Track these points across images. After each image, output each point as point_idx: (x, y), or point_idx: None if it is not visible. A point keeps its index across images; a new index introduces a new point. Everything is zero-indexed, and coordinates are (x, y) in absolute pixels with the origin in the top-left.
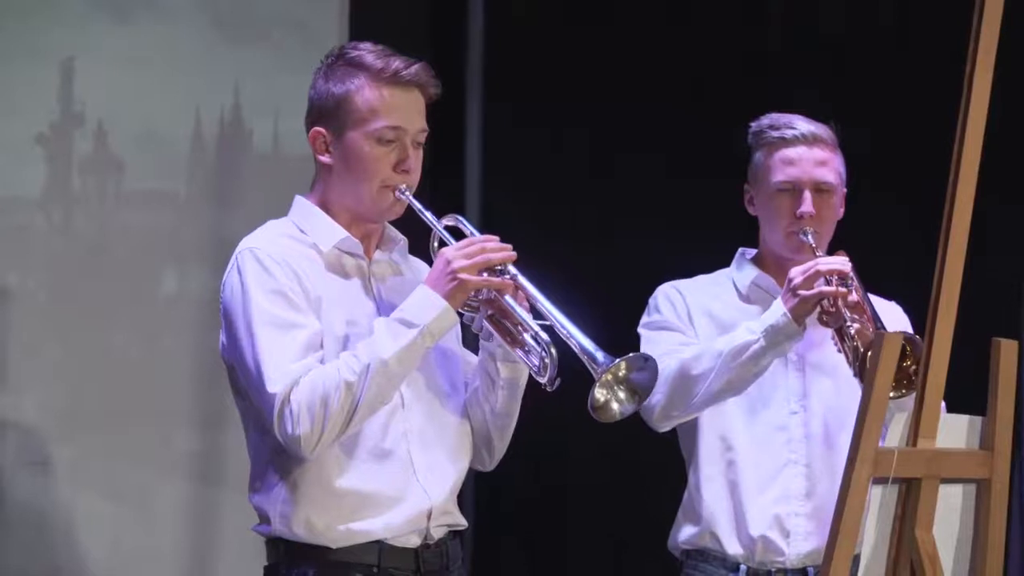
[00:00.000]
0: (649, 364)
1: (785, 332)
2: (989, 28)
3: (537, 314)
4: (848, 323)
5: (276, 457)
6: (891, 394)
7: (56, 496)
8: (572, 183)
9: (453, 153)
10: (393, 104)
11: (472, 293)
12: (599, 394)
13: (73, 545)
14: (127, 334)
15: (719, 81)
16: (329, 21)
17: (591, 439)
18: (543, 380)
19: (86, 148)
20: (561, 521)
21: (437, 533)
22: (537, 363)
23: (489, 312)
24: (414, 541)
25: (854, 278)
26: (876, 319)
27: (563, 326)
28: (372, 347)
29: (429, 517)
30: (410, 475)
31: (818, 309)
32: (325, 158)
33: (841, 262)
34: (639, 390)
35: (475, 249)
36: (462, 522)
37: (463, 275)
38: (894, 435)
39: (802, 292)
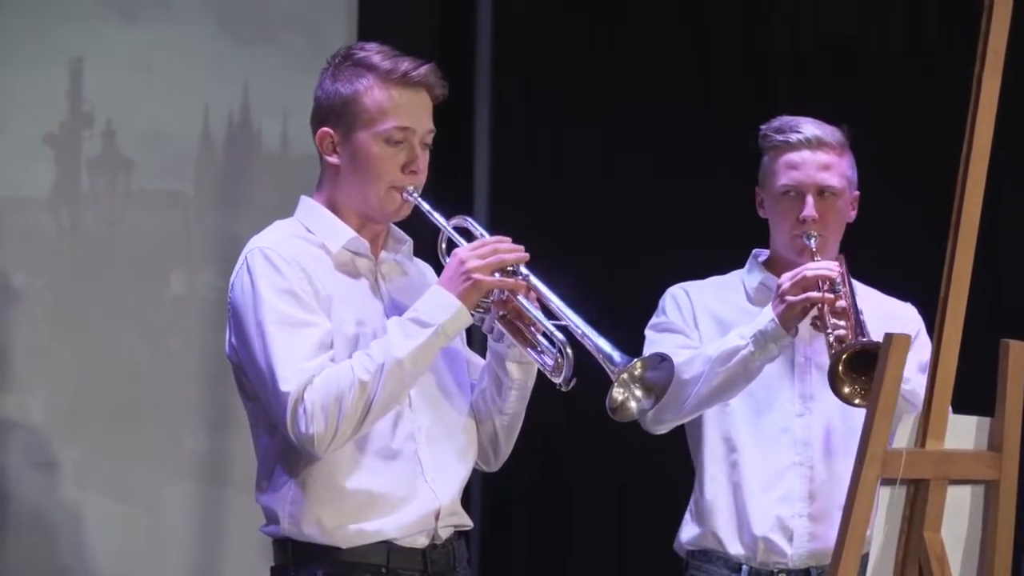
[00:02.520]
0: (665, 363)
1: (773, 337)
2: (998, 28)
3: (550, 314)
4: (830, 330)
5: (284, 457)
6: (856, 401)
7: (62, 497)
8: (581, 184)
9: (461, 153)
10: (402, 105)
11: (485, 294)
12: (617, 394)
13: (79, 545)
14: (134, 334)
15: (731, 80)
16: (337, 22)
17: (597, 439)
18: (558, 380)
19: (94, 148)
20: (567, 521)
21: (444, 533)
22: (551, 363)
23: (501, 313)
24: (422, 541)
25: (844, 283)
26: (859, 326)
27: (578, 326)
28: (386, 347)
29: (437, 517)
30: (418, 475)
31: (812, 314)
32: (332, 158)
33: (828, 267)
34: (655, 388)
35: (488, 250)
36: (468, 522)
37: (477, 275)
38: (902, 436)
39: (789, 298)
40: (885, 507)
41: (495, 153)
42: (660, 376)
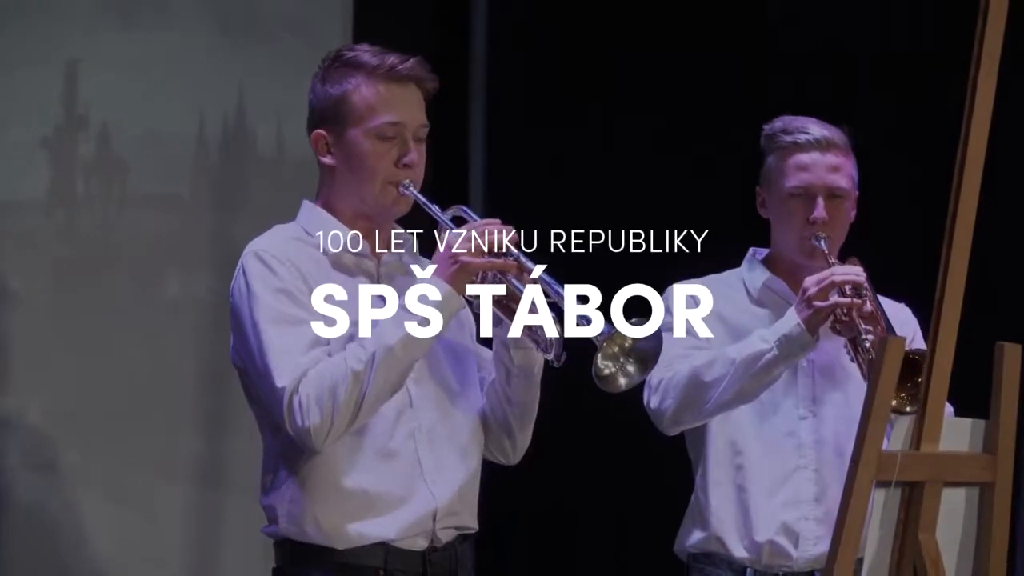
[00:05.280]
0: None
1: (799, 343)
2: (993, 30)
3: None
4: (863, 335)
5: (285, 457)
6: (907, 409)
7: (61, 499)
8: (578, 183)
9: (457, 153)
10: (391, 99)
11: (477, 276)
12: (602, 364)
13: (78, 548)
14: (131, 337)
15: (728, 81)
16: (333, 24)
17: (600, 442)
18: (549, 356)
19: (90, 151)
20: (571, 525)
21: (444, 536)
22: (543, 341)
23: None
24: (420, 543)
25: (868, 288)
26: (890, 329)
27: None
28: (378, 336)
29: (435, 518)
30: (416, 475)
31: (831, 318)
32: (327, 159)
33: (856, 272)
34: (647, 358)
35: (476, 232)
36: (471, 524)
37: (464, 258)
38: (897, 438)
39: (816, 303)
40: (880, 509)
41: (491, 153)
42: (650, 345)
